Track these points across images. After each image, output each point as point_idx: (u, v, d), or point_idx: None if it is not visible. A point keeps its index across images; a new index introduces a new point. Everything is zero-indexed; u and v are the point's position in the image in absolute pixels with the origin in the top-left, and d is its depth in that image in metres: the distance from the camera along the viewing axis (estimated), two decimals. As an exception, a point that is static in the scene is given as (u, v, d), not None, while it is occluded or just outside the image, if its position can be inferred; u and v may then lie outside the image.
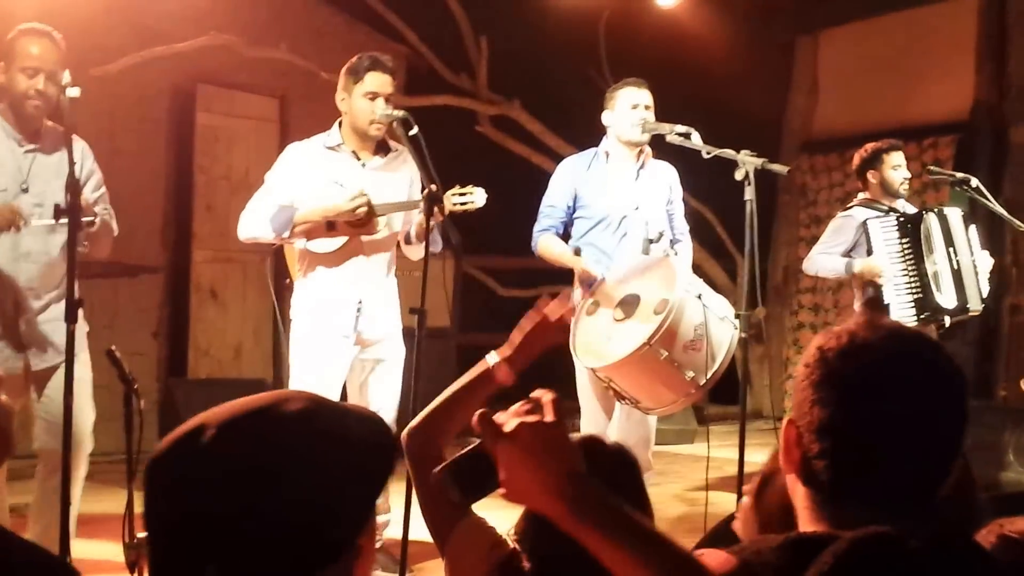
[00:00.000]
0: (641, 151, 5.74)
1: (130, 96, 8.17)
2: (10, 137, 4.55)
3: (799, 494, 1.69)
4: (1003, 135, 9.59)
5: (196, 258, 8.72)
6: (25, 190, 4.51)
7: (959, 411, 1.65)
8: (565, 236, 5.79)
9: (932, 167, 6.61)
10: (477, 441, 1.62)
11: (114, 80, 7.64)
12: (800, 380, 1.67)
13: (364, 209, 5.07)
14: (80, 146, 4.68)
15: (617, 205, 5.63)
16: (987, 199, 6.36)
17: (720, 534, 3.00)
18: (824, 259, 6.54)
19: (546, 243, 5.71)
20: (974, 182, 6.36)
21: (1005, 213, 6.45)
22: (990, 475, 6.87)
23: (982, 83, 9.74)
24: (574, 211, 5.72)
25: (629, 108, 5.65)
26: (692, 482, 7.71)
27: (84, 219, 4.43)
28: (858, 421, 1.60)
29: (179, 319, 8.73)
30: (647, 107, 5.65)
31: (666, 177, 5.87)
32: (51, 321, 4.52)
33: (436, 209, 4.78)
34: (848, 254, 6.47)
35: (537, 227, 5.78)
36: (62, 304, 4.59)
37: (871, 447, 1.60)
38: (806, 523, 1.67)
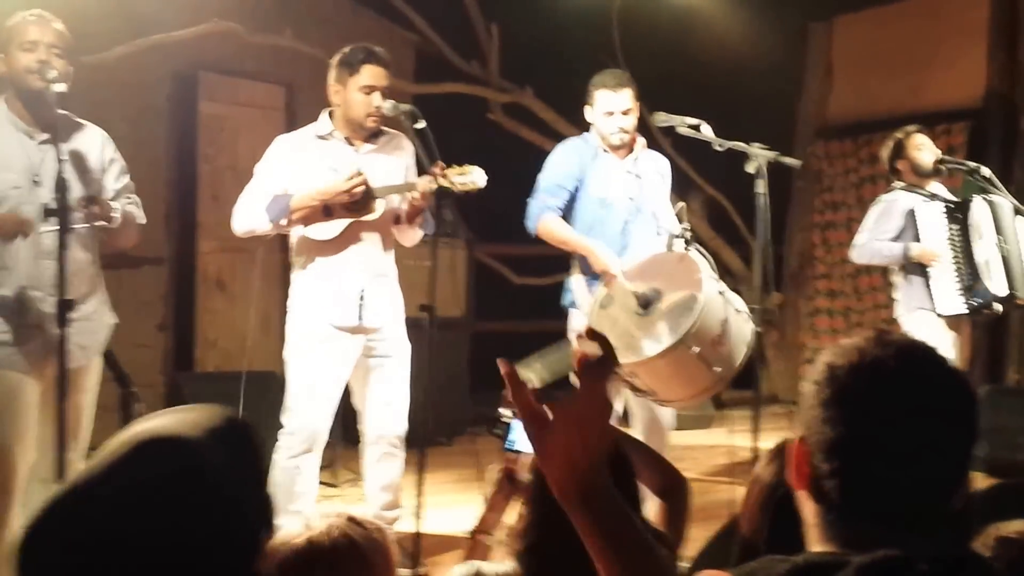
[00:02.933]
0: (633, 140, 5.60)
1: (128, 84, 8.06)
2: (19, 130, 4.42)
3: (809, 511, 1.66)
4: (1015, 122, 9.58)
5: (202, 248, 8.62)
6: (37, 182, 4.38)
7: (969, 427, 1.62)
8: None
9: (944, 156, 6.52)
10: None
11: (110, 68, 7.54)
12: (809, 398, 1.64)
13: (361, 188, 5.00)
14: (99, 135, 4.65)
15: (619, 194, 5.51)
16: (998, 188, 6.33)
17: (733, 534, 2.94)
18: (878, 245, 6.44)
19: (550, 224, 5.49)
20: (985, 171, 6.35)
21: (1016, 201, 6.41)
22: (1002, 457, 6.90)
23: (994, 71, 9.71)
24: (575, 193, 5.54)
25: (603, 115, 5.49)
26: (709, 468, 7.64)
27: (102, 223, 4.43)
28: (868, 440, 1.58)
29: (185, 311, 8.64)
30: (625, 112, 5.48)
31: (659, 168, 5.74)
32: (78, 321, 4.33)
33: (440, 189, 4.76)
34: (895, 240, 6.38)
35: (537, 204, 5.53)
36: (90, 304, 4.53)
37: (881, 466, 1.58)
38: (816, 541, 1.65)
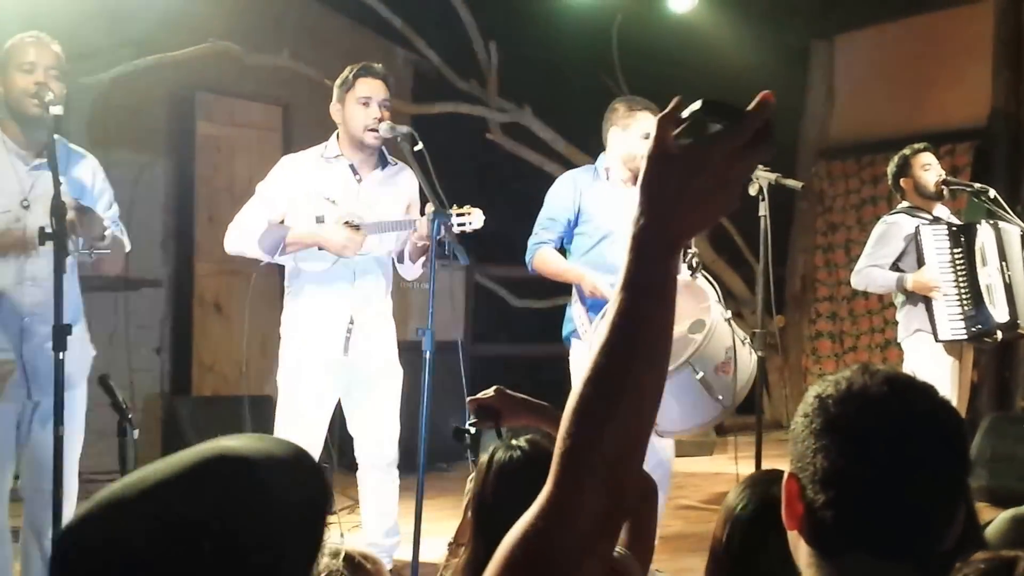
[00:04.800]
0: None
1: (125, 105, 8.00)
2: (11, 152, 4.36)
3: (802, 552, 1.64)
4: (1020, 142, 9.47)
5: (199, 271, 8.55)
6: (27, 206, 4.32)
7: (960, 457, 1.64)
8: (563, 253, 5.60)
9: (948, 178, 6.45)
10: None
11: (107, 89, 7.48)
12: (800, 430, 1.63)
13: (350, 255, 4.97)
14: (91, 163, 4.59)
15: (623, 220, 5.46)
16: (1005, 209, 6.28)
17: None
18: (875, 273, 6.35)
19: (545, 256, 5.50)
20: (992, 193, 6.28)
21: (1022, 223, 6.35)
22: (1010, 486, 6.80)
23: (999, 90, 9.60)
24: (575, 226, 5.53)
25: (642, 138, 5.45)
26: (711, 496, 7.55)
27: (95, 247, 4.36)
28: (863, 468, 1.57)
29: (182, 334, 8.56)
30: None
31: None
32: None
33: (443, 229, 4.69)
34: (896, 263, 6.30)
35: (533, 240, 5.56)
36: (75, 331, 4.44)
37: (877, 493, 1.57)
38: None
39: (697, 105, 1.36)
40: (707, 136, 1.35)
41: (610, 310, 1.33)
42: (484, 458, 2.58)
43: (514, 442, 2.57)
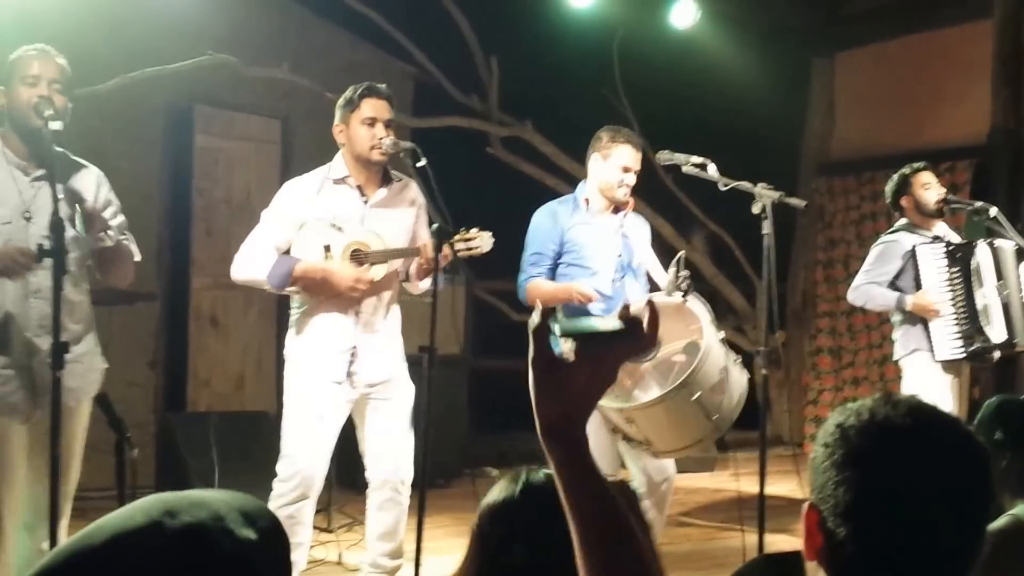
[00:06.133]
0: (627, 202, 5.66)
1: (123, 117, 7.96)
2: (12, 164, 4.33)
3: None
4: (1021, 160, 9.42)
5: (195, 284, 8.44)
6: (29, 219, 4.28)
7: (985, 489, 1.62)
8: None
9: (948, 196, 6.42)
10: None
11: (104, 101, 7.44)
12: (820, 461, 1.62)
13: (358, 295, 4.93)
14: (95, 175, 4.55)
15: (607, 251, 5.54)
16: (1005, 227, 6.27)
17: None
18: (874, 290, 6.34)
19: (534, 285, 5.52)
20: (993, 211, 6.26)
21: (1022, 240, 6.33)
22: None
23: (999, 107, 9.56)
24: (560, 257, 5.55)
25: (620, 170, 5.53)
26: (714, 514, 7.49)
27: (98, 243, 4.37)
28: (886, 500, 1.56)
29: (178, 348, 8.44)
30: (636, 172, 5.57)
31: (644, 231, 5.81)
32: (69, 363, 4.13)
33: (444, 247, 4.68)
34: (894, 281, 6.28)
35: (523, 276, 5.59)
36: (82, 345, 4.42)
37: (901, 527, 1.55)
38: None
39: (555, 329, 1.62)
40: (609, 350, 1.61)
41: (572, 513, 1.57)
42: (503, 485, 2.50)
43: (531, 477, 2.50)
